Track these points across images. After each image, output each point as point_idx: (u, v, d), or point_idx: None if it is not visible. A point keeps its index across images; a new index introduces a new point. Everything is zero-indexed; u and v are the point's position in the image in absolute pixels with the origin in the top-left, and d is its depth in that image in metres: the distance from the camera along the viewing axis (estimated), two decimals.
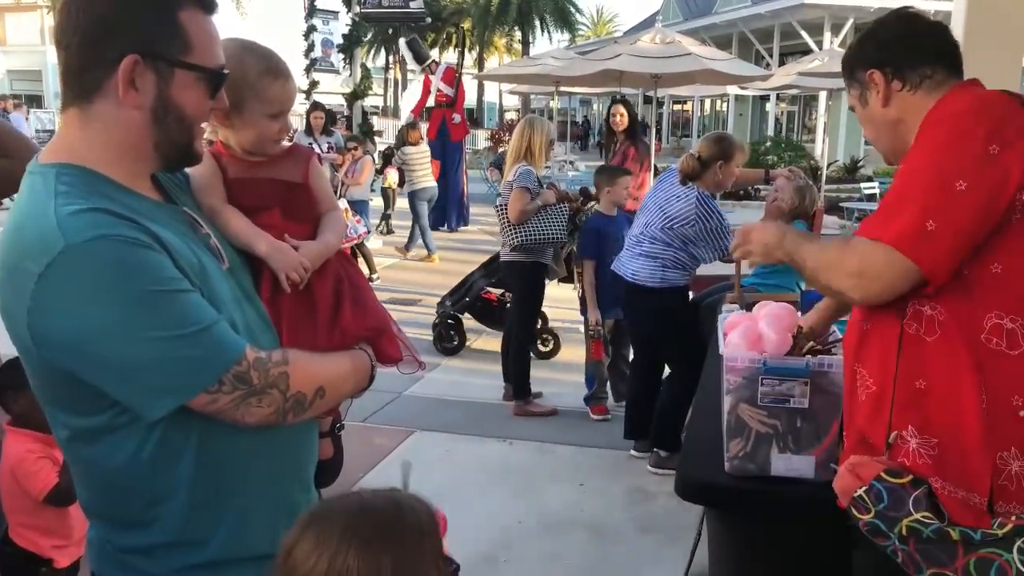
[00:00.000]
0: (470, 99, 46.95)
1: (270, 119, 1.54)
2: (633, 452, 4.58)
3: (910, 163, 1.61)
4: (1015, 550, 1.44)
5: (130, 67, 1.23)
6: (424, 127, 12.60)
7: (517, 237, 4.99)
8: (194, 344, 1.21)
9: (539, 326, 6.35)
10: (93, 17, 1.22)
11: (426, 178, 10.61)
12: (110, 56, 1.22)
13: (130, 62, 1.22)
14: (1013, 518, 1.46)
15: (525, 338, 5.26)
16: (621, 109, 6.54)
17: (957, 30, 2.96)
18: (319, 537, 1.02)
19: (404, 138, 10.91)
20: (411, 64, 15.01)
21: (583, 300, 5.07)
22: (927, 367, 1.55)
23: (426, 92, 14.35)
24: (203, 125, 1.37)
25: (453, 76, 13.86)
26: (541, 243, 5.04)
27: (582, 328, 6.68)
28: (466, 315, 6.59)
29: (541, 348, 6.35)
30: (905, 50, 1.72)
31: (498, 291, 6.42)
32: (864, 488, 1.56)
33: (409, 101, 16.13)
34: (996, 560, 1.45)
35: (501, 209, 5.07)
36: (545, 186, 5.15)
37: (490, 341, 6.77)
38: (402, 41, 15.32)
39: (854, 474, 1.59)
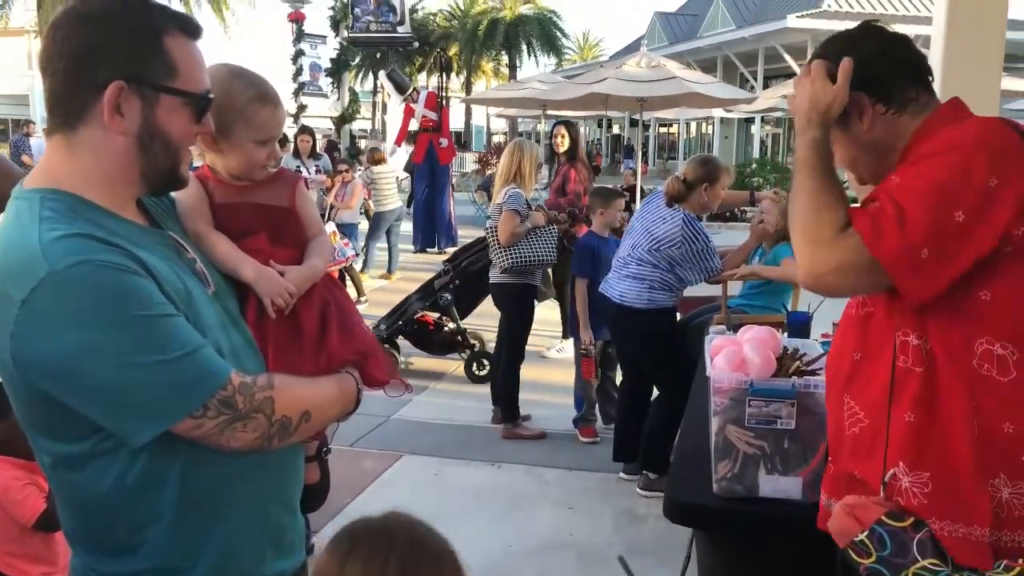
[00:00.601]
0: (458, 123, 47.26)
1: (258, 145, 1.54)
2: (622, 474, 4.57)
3: (912, 180, 1.52)
4: None
5: (115, 93, 1.23)
6: (408, 151, 12.69)
7: (508, 259, 5.02)
8: (179, 369, 1.20)
9: (476, 349, 6.40)
10: (78, 43, 1.23)
11: (392, 198, 10.71)
12: (95, 82, 1.23)
13: (115, 88, 1.23)
14: (1020, 561, 1.43)
15: (516, 361, 5.25)
16: (563, 130, 6.54)
17: (936, 52, 3.00)
18: (367, 563, 1.03)
19: (371, 158, 10.98)
20: (392, 95, 15.14)
21: (574, 321, 5.07)
22: (916, 400, 1.52)
23: (407, 120, 14.47)
24: (191, 149, 1.38)
25: (436, 101, 13.96)
26: (532, 265, 5.09)
27: (553, 351, 6.79)
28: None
29: (477, 372, 6.32)
30: (888, 72, 1.65)
31: (435, 315, 6.38)
32: (865, 533, 1.50)
33: (392, 129, 16.24)
34: None
35: (491, 232, 5.10)
36: (534, 208, 5.18)
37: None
38: (383, 74, 15.49)
39: (852, 517, 1.53)
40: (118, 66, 1.23)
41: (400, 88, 14.85)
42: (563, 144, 6.46)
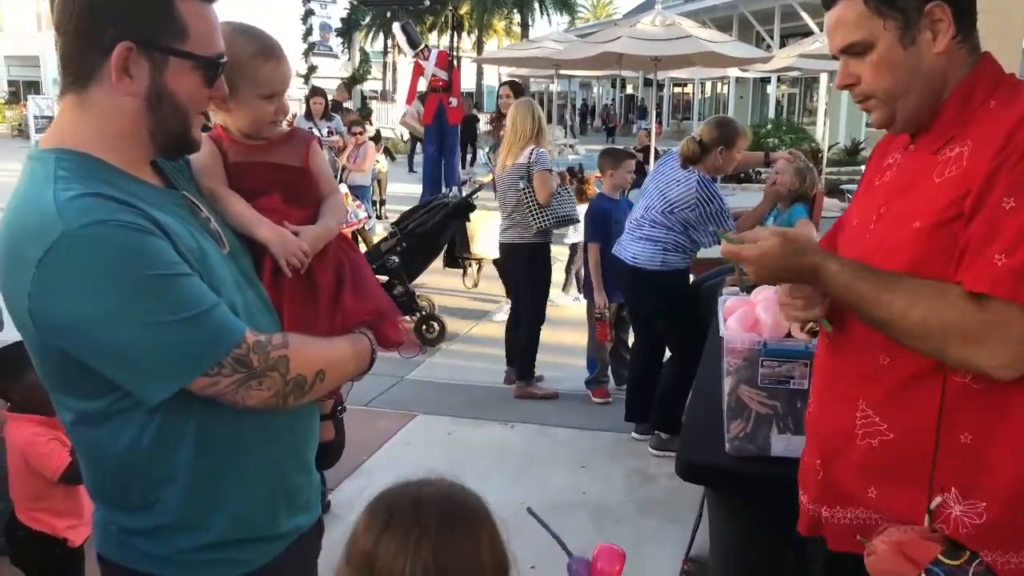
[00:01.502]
0: (469, 83, 46.87)
1: (264, 100, 1.54)
2: (634, 434, 4.60)
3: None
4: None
5: (123, 54, 1.23)
6: (416, 110, 12.62)
7: (546, 219, 5.00)
8: (193, 328, 1.21)
9: (425, 312, 6.42)
10: (88, 4, 1.22)
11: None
12: (104, 43, 1.22)
13: (123, 49, 1.22)
14: None
15: (538, 321, 5.28)
16: (508, 91, 6.45)
17: None
18: (403, 536, 1.04)
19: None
20: (404, 48, 15.04)
21: (588, 283, 5.06)
22: (975, 419, 1.34)
23: (415, 78, 14.35)
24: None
25: (447, 60, 13.82)
26: (565, 222, 5.17)
27: (497, 314, 6.76)
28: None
29: (427, 335, 6.31)
30: None
31: (384, 278, 6.16)
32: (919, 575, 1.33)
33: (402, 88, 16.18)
34: None
35: (526, 192, 4.99)
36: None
37: (489, 327, 6.79)
38: (396, 25, 15.31)
39: (903, 555, 1.35)
40: (127, 27, 1.23)
41: (412, 43, 14.70)
42: (508, 104, 6.26)
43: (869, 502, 1.48)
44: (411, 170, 18.32)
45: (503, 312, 6.72)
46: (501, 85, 6.85)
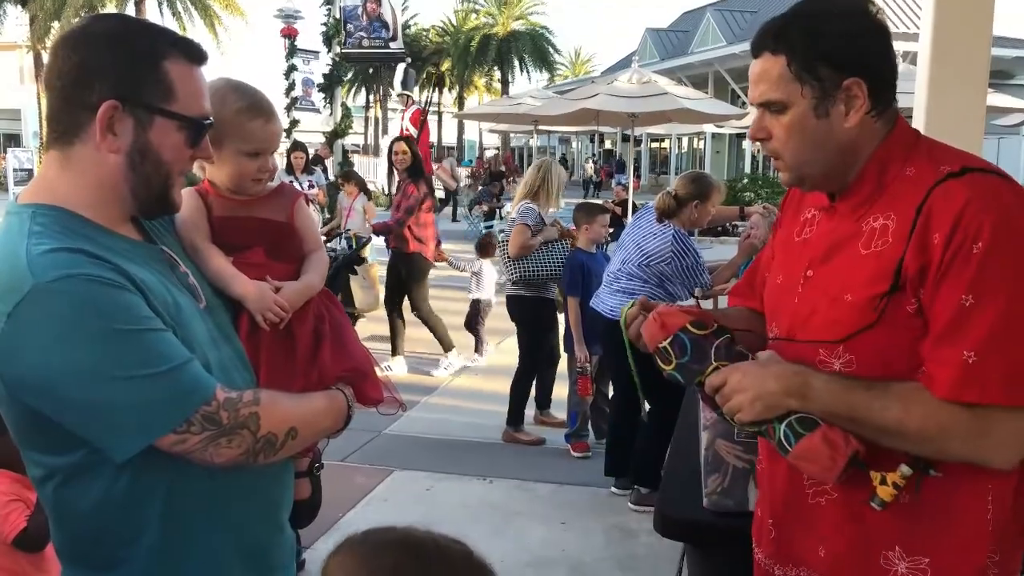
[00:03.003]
0: (450, 137, 47.34)
1: (247, 158, 1.54)
2: (614, 489, 4.56)
3: (991, 301, 1.23)
4: (785, 424, 1.35)
5: (108, 112, 1.24)
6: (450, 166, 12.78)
7: (516, 272, 5.20)
8: (163, 384, 1.21)
9: None
10: (77, 62, 1.24)
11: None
12: (90, 101, 1.24)
13: (108, 107, 1.24)
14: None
15: (529, 370, 5.40)
16: (403, 146, 6.71)
17: (923, 68, 3.03)
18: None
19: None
20: (396, 84, 15.42)
21: (568, 336, 5.07)
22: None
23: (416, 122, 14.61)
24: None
25: (419, 118, 14.08)
26: (538, 277, 5.20)
27: (442, 369, 6.76)
28: None
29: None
30: (886, 62, 1.37)
31: None
32: (668, 339, 1.44)
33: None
34: (765, 425, 1.39)
35: (503, 244, 5.32)
36: (550, 223, 5.31)
37: (471, 379, 6.76)
38: (401, 66, 15.66)
39: (660, 323, 1.47)
40: (114, 85, 1.24)
41: (405, 85, 15.06)
42: (406, 160, 6.62)
43: (817, 562, 1.46)
44: (454, 219, 18.52)
45: (442, 367, 6.79)
46: (395, 141, 7.07)
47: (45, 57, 31.12)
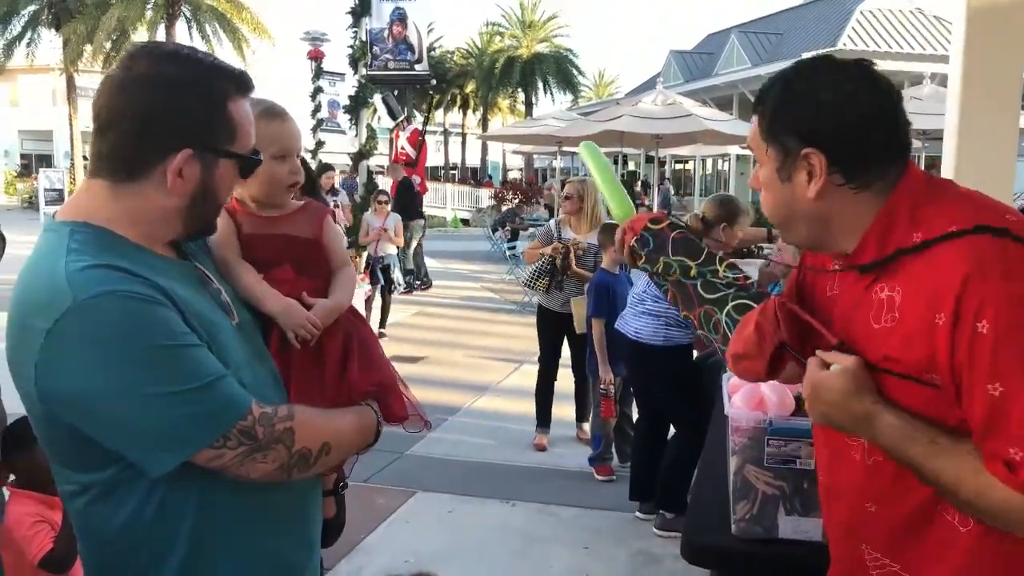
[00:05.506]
0: (474, 159, 47.57)
1: (275, 161, 1.56)
2: (638, 514, 4.52)
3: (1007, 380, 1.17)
4: (725, 312, 1.69)
5: (183, 160, 1.26)
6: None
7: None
8: (200, 399, 1.21)
9: None
10: (155, 108, 1.25)
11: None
12: (163, 146, 1.26)
13: (184, 156, 1.26)
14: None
15: (542, 373, 5.68)
16: (331, 174, 7.38)
17: (954, 90, 3.00)
18: None
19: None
20: (385, 120, 15.54)
21: (592, 359, 5.03)
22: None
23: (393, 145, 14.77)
24: None
25: (417, 138, 14.19)
26: (527, 284, 5.90)
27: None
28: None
29: None
30: (863, 137, 1.30)
31: None
32: (636, 238, 1.76)
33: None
34: (713, 316, 1.71)
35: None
36: (568, 242, 5.56)
37: (492, 401, 6.74)
38: (377, 96, 15.82)
39: (628, 227, 1.79)
40: (188, 133, 1.27)
41: (392, 114, 15.19)
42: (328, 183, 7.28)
43: None
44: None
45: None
46: (323, 168, 7.50)
47: (77, 80, 31.62)
